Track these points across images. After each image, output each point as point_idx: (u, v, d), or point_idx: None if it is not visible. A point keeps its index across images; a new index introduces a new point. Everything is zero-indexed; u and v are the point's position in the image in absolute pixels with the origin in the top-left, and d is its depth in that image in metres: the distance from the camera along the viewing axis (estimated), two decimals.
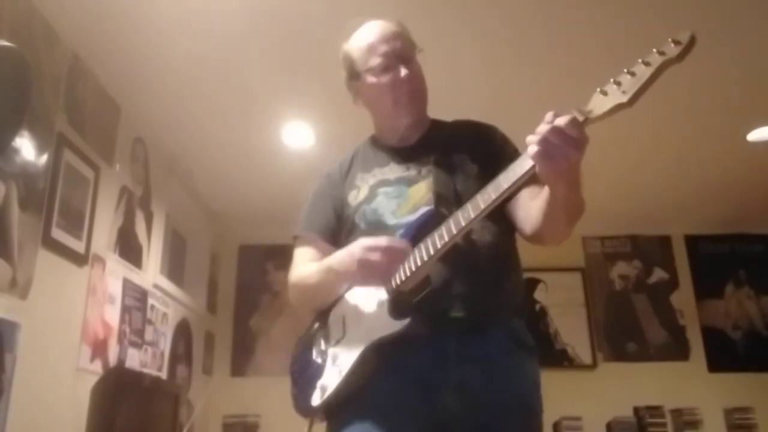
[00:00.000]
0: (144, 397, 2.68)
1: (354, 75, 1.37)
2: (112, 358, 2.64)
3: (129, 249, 2.88)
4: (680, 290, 4.47)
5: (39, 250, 2.11)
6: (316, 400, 1.21)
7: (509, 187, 1.01)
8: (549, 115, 0.96)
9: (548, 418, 4.34)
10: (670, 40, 0.89)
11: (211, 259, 4.24)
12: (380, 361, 1.15)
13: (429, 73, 1.38)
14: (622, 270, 4.55)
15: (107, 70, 2.59)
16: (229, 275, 4.43)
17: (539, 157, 0.95)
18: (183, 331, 3.63)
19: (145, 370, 2.98)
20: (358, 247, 1.15)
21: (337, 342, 1.23)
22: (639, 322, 4.40)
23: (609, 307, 4.45)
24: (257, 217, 4.21)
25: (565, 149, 0.94)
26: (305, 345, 1.33)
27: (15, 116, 2.01)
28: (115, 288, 2.71)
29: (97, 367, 2.49)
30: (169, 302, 3.39)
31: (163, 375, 3.24)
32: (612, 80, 0.93)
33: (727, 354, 4.30)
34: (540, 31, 2.44)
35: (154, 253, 3.19)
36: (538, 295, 4.46)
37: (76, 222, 2.38)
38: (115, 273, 2.71)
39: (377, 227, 1.26)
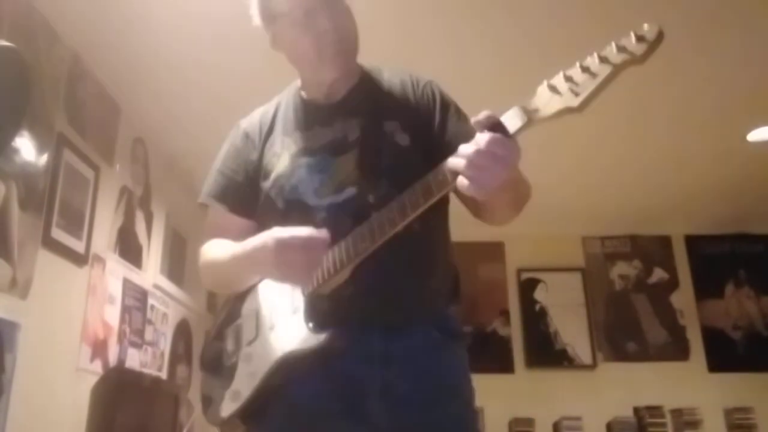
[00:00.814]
0: (144, 397, 2.68)
1: (269, 17, 1.20)
2: (112, 358, 2.64)
3: (129, 249, 2.88)
4: (680, 290, 4.47)
5: (39, 250, 2.11)
6: (227, 409, 1.10)
7: (439, 194, 0.94)
8: (481, 115, 0.88)
9: (548, 418, 4.34)
10: (632, 34, 0.76)
11: None
12: (295, 372, 1.05)
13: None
14: (622, 270, 4.55)
15: (107, 70, 2.59)
16: None
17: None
18: (183, 331, 3.63)
19: (145, 370, 2.98)
20: (271, 242, 1.02)
21: (250, 343, 1.12)
22: (639, 322, 4.40)
23: (609, 307, 4.45)
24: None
25: (494, 171, 0.87)
26: (216, 335, 1.21)
27: (15, 116, 2.01)
28: (115, 288, 2.71)
29: (97, 367, 2.48)
30: (169, 302, 3.39)
31: (163, 375, 3.24)
32: (562, 74, 0.81)
33: (727, 354, 4.30)
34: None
35: (154, 253, 3.19)
36: (538, 295, 4.46)
37: (76, 222, 2.38)
38: (115, 273, 2.70)
39: (297, 208, 1.13)
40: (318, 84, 1.22)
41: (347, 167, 1.12)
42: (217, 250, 1.20)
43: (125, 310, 2.78)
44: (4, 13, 1.97)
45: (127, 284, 2.82)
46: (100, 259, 2.56)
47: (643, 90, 2.69)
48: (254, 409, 1.08)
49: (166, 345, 3.32)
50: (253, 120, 1.29)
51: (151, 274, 3.14)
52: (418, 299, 1.12)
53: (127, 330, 2.81)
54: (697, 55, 2.57)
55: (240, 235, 1.14)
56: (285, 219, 1.10)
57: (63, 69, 2.33)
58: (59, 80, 2.31)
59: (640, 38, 0.76)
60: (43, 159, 2.17)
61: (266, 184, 1.18)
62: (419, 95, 1.22)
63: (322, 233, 1.02)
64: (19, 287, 1.99)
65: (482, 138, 0.88)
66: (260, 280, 1.16)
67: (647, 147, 3.39)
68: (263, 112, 1.29)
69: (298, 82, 1.29)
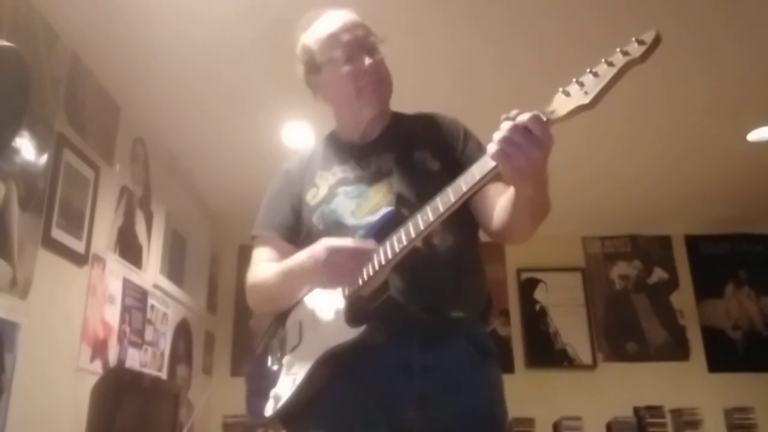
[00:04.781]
0: (144, 397, 2.68)
1: (314, 68, 1.31)
2: (112, 358, 2.64)
3: (129, 249, 2.88)
4: (680, 290, 4.48)
5: (39, 250, 2.11)
6: (269, 410, 1.16)
7: (469, 190, 0.99)
8: (512, 113, 0.94)
9: (548, 418, 4.33)
10: (633, 39, 0.86)
11: (211, 259, 4.24)
12: (335, 370, 1.10)
13: (393, 66, 1.31)
14: (622, 270, 4.55)
15: (107, 70, 2.59)
16: (229, 275, 4.43)
17: (500, 156, 0.93)
18: (183, 331, 3.63)
19: (145, 370, 2.98)
20: (321, 249, 1.10)
21: (293, 349, 1.18)
22: (639, 322, 4.41)
23: (609, 307, 4.45)
24: (257, 217, 4.20)
25: (528, 149, 0.91)
26: (262, 349, 1.28)
27: (15, 116, 2.01)
28: (115, 288, 2.71)
29: (97, 367, 2.49)
30: (169, 302, 3.39)
31: (163, 375, 3.24)
32: (575, 80, 0.91)
33: (727, 354, 4.31)
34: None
35: (154, 253, 3.19)
36: (538, 295, 4.46)
37: (76, 222, 2.38)
38: (115, 273, 2.70)
39: (336, 228, 1.21)
40: (356, 124, 1.32)
41: (381, 192, 1.22)
42: (264, 269, 1.28)
43: (125, 310, 2.79)
44: (4, 13, 1.98)
45: (127, 284, 2.82)
46: (100, 259, 2.56)
47: (644, 91, 2.69)
48: (293, 413, 1.14)
49: (166, 345, 3.32)
50: (292, 160, 1.40)
51: (151, 274, 3.14)
52: (454, 312, 1.15)
53: (127, 330, 2.81)
54: (697, 56, 2.57)
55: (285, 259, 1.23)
56: None
57: (63, 69, 2.33)
58: (59, 80, 2.31)
59: (640, 42, 0.85)
60: (43, 159, 2.17)
61: (308, 212, 1.28)
62: (446, 128, 1.32)
63: (369, 242, 1.10)
64: (19, 287, 1.99)
65: (515, 115, 0.93)
66: (304, 296, 1.21)
67: (647, 147, 3.39)
68: (301, 154, 1.40)
69: (333, 128, 1.40)
